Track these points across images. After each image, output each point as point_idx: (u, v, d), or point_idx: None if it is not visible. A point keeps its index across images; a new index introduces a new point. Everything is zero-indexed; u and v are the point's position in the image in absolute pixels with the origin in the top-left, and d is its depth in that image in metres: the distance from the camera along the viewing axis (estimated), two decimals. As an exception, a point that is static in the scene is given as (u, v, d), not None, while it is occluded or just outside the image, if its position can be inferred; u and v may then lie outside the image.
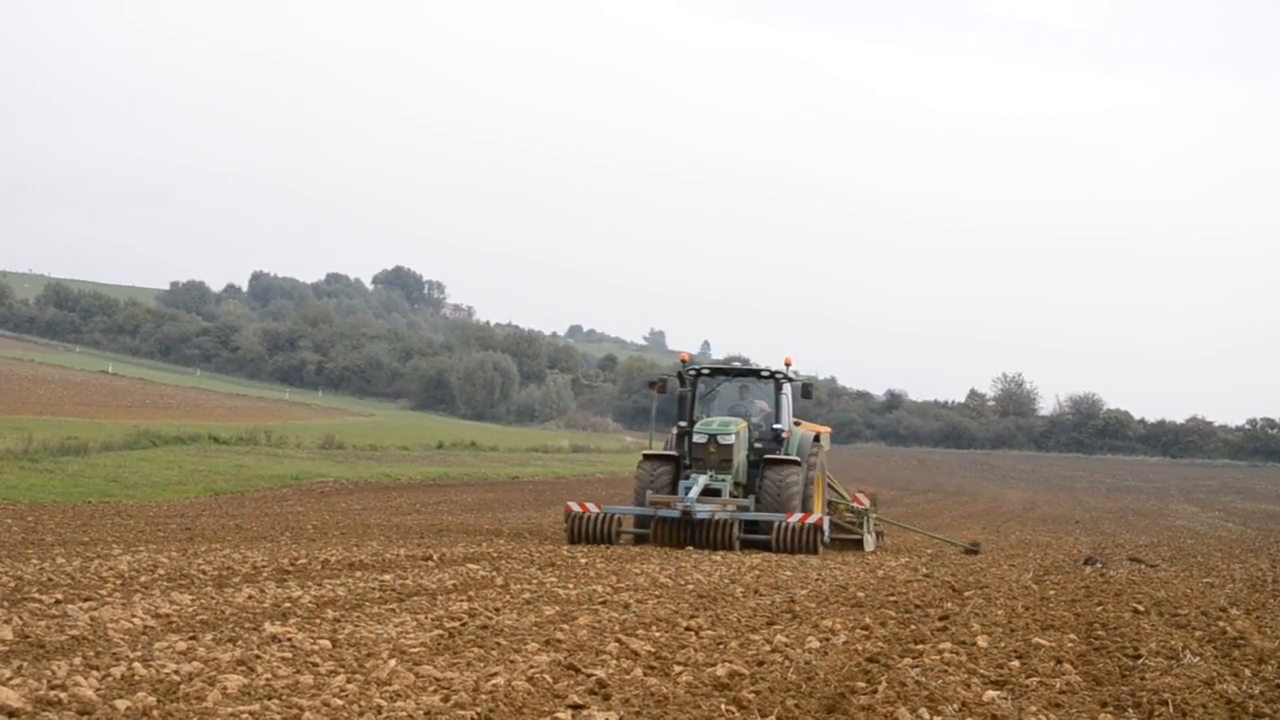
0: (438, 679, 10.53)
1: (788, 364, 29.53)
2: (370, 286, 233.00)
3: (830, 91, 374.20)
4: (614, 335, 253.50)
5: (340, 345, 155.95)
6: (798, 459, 28.43)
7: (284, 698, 9.69)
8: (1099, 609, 17.02)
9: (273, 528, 27.37)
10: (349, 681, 10.25)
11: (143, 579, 16.16)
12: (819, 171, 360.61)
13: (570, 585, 17.65)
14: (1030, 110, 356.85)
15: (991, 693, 10.78)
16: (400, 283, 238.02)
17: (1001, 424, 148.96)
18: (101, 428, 55.61)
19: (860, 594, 18.09)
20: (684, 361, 29.94)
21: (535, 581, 18.00)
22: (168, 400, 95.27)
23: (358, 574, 17.93)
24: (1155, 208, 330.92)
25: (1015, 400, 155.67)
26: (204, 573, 17.09)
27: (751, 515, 27.34)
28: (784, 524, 26.59)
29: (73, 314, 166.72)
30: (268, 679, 10.20)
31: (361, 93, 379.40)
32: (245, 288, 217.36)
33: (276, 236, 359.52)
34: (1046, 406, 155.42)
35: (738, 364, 32.34)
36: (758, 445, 28.86)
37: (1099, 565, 25.64)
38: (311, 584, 16.41)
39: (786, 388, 29.62)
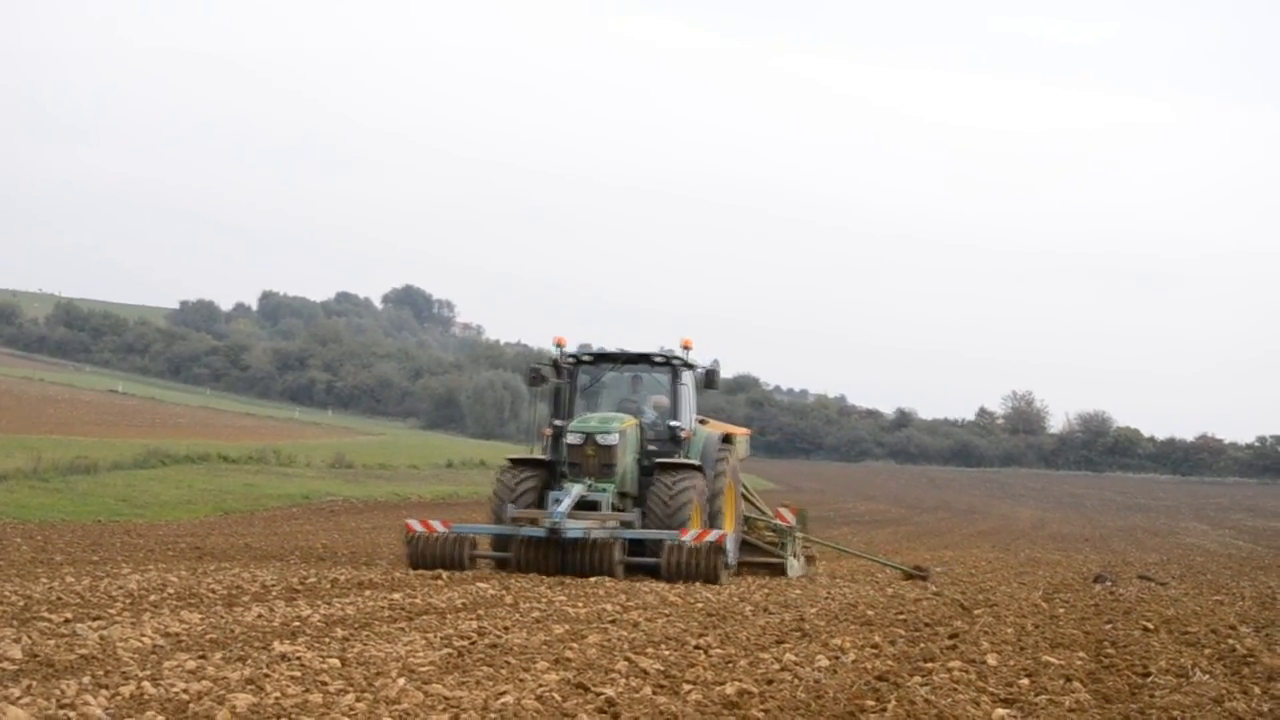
0: (447, 698, 10.54)
1: (686, 347, 24.79)
2: (380, 305, 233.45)
3: (839, 109, 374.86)
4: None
5: (350, 364, 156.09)
6: (697, 463, 23.91)
7: (293, 716, 9.71)
8: (1108, 627, 17.00)
9: (282, 547, 27.40)
10: (358, 700, 10.27)
11: (152, 598, 16.19)
12: (827, 189, 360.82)
13: (579, 604, 17.65)
14: (1037, 127, 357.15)
15: (1001, 711, 10.77)
16: (410, 301, 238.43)
17: (1011, 442, 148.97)
18: (111, 447, 55.63)
19: (870, 612, 18.07)
20: (560, 346, 24.99)
21: (544, 600, 17.99)
22: (177, 419, 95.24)
23: (367, 593, 17.94)
24: (1165, 225, 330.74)
25: (1025, 418, 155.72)
26: (213, 591, 17.11)
27: (636, 533, 22.85)
28: (676, 544, 22.13)
29: (82, 333, 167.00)
30: (277, 698, 10.22)
31: (370, 113, 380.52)
32: (255, 306, 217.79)
33: (286, 255, 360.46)
34: (1056, 424, 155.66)
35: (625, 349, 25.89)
36: (651, 448, 24.28)
37: (1108, 583, 25.59)
38: (321, 603, 16.43)
39: (686, 376, 24.88)
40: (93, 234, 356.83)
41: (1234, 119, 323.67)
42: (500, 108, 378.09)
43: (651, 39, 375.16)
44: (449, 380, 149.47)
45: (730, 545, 23.11)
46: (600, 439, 23.27)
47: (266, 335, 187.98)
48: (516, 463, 24.28)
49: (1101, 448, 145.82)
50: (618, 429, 23.41)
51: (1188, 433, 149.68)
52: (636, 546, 22.82)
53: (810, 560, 27.82)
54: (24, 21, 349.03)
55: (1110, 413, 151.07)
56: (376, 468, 65.26)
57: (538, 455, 24.45)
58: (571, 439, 23.44)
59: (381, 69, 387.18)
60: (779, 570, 25.89)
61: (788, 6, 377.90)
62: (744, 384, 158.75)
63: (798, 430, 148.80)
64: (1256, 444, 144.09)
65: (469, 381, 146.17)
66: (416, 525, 23.19)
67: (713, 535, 22.30)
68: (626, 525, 22.98)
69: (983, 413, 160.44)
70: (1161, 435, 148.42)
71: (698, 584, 21.52)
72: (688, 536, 22.21)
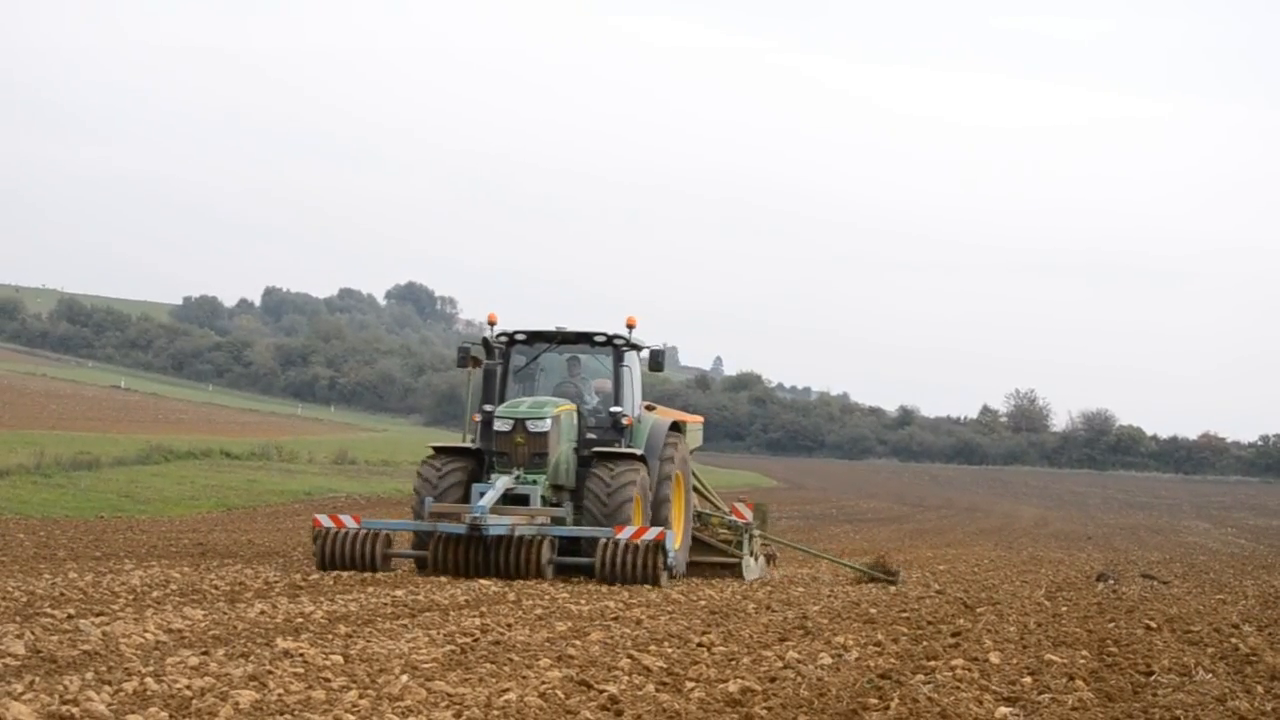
0: (450, 694, 10.54)
1: (630, 326, 22.55)
2: (383, 302, 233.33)
3: (842, 106, 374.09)
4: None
5: (353, 360, 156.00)
6: (639, 453, 21.77)
7: (296, 713, 9.71)
8: (1111, 625, 17.01)
9: (285, 543, 27.41)
10: (361, 697, 10.27)
11: (155, 594, 16.20)
12: (830, 186, 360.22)
13: (582, 601, 17.66)
14: (1040, 123, 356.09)
15: (1004, 709, 10.77)
16: (412, 298, 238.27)
17: (1014, 440, 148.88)
18: (114, 442, 55.65)
19: (873, 610, 18.08)
20: (491, 324, 23.18)
21: (547, 597, 17.99)
22: (180, 415, 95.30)
23: (370, 589, 17.94)
24: (1168, 221, 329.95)
25: (1028, 416, 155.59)
26: (216, 588, 17.13)
27: (566, 530, 20.91)
28: (611, 542, 20.21)
29: (85, 329, 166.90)
30: (280, 694, 10.22)
31: (374, 109, 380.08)
32: (258, 302, 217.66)
33: (289, 251, 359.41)
34: (1059, 423, 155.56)
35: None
36: (591, 436, 22.08)
37: (1111, 582, 25.59)
38: (324, 599, 16.44)
39: (630, 357, 22.65)
40: (96, 229, 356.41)
41: (1234, 114, 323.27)
42: (503, 104, 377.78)
43: (654, 37, 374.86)
44: (452, 377, 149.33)
45: (671, 543, 20.76)
46: (531, 426, 21.05)
47: (269, 331, 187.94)
48: (441, 451, 22.17)
49: (1104, 446, 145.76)
50: (551, 415, 21.23)
51: (1191, 431, 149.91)
52: (572, 545, 21.02)
53: (770, 560, 25.82)
54: (29, 17, 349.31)
55: (1113, 411, 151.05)
56: (379, 464, 65.26)
57: (466, 444, 22.39)
58: (500, 426, 21.22)
59: (385, 65, 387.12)
60: (734, 571, 23.83)
61: (790, 5, 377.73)
62: (746, 381, 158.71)
63: (800, 428, 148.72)
64: (1259, 443, 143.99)
65: (472, 378, 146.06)
66: (325, 521, 21.03)
67: (651, 533, 20.41)
68: (557, 521, 21.05)
69: (985, 411, 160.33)
70: (1164, 434, 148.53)
71: (700, 582, 21.40)
72: (624, 534, 20.31)
